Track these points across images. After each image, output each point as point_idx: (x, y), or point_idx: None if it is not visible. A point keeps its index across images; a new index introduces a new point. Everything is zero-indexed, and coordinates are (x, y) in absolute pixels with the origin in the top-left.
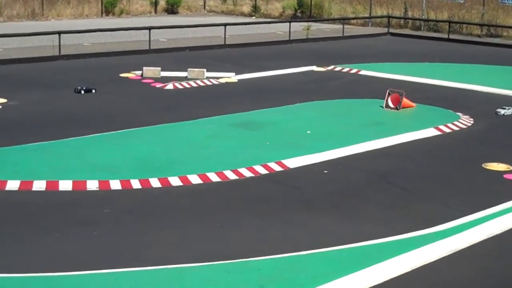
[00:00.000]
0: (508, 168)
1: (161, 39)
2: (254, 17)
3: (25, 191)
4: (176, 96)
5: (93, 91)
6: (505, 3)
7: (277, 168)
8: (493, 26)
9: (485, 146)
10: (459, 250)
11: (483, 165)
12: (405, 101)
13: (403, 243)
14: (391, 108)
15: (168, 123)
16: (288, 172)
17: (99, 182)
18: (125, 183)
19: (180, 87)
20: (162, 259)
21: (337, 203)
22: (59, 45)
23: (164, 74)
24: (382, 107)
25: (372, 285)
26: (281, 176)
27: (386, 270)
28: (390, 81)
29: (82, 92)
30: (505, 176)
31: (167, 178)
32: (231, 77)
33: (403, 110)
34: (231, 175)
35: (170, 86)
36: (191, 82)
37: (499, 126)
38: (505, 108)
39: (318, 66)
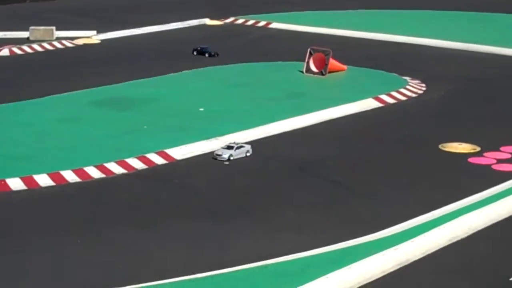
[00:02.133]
0: (474, 149)
1: None
2: None
3: None
4: (14, 65)
5: (206, 54)
6: None
7: (159, 160)
8: None
9: (441, 121)
10: (412, 262)
11: (440, 146)
12: (333, 62)
13: (337, 255)
14: (314, 73)
15: (2, 103)
16: (175, 166)
17: None
18: None
19: (19, 52)
20: None
21: (245, 206)
22: None
23: None
24: (302, 72)
25: None
26: (166, 172)
27: None
28: (312, 37)
29: (195, 53)
30: (470, 160)
31: (4, 180)
32: (92, 37)
33: (330, 76)
34: (95, 173)
35: (5, 52)
36: (35, 46)
37: (458, 93)
38: (231, 148)
39: (212, 18)
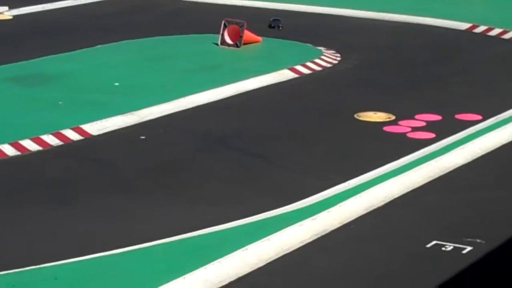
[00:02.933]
0: (389, 117)
1: None
2: None
3: None
4: None
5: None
6: None
7: (75, 136)
8: None
9: (356, 90)
10: (330, 231)
11: (355, 116)
12: (248, 34)
13: (255, 227)
14: (229, 45)
15: None
16: (92, 142)
17: None
18: None
19: None
20: None
21: (163, 180)
22: None
23: None
24: (217, 44)
25: None
26: (83, 148)
27: (232, 265)
28: (226, 9)
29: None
30: (385, 128)
31: None
32: (4, 13)
33: (245, 47)
34: (9, 150)
35: None
36: None
37: (373, 62)
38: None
39: None
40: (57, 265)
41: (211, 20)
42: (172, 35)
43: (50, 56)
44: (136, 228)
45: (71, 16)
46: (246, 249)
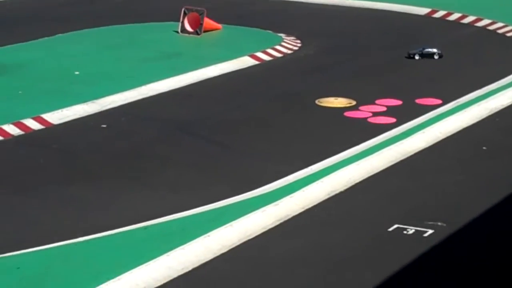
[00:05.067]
0: (349, 103)
1: None
2: None
3: None
4: None
5: (436, 55)
6: None
7: (36, 126)
8: None
9: (317, 76)
10: (292, 217)
11: (316, 102)
12: (208, 21)
13: (217, 214)
14: (190, 32)
15: None
16: (53, 131)
17: None
18: None
19: None
20: None
21: (124, 168)
22: None
23: None
24: (177, 32)
25: (176, 275)
26: (44, 137)
27: (195, 252)
28: None
29: (417, 57)
30: (346, 113)
31: None
32: None
33: (205, 35)
34: None
35: None
36: None
37: (333, 48)
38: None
39: None
40: (19, 254)
41: (170, 8)
42: (131, 23)
43: (9, 46)
44: (98, 216)
45: (29, 6)
46: (209, 235)
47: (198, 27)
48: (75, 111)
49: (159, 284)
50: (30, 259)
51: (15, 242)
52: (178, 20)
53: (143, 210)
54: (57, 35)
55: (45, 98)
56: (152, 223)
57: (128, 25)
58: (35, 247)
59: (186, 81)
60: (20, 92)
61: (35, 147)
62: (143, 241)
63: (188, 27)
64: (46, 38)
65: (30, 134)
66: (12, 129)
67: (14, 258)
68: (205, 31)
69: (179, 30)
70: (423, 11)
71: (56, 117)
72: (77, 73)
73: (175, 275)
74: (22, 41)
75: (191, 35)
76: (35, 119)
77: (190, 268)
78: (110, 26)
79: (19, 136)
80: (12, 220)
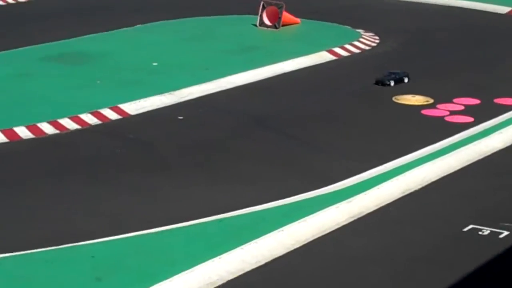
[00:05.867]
0: (427, 101)
1: None
2: None
3: None
4: None
5: (405, 79)
6: None
7: (113, 116)
8: None
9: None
10: (366, 214)
11: (394, 99)
12: (286, 15)
13: (291, 208)
14: (268, 26)
15: None
16: (130, 121)
17: None
18: None
19: None
20: None
21: (200, 160)
22: None
23: None
24: (256, 25)
25: (249, 269)
26: (120, 127)
27: (268, 246)
28: None
29: (391, 83)
30: (424, 111)
31: None
32: None
33: (283, 29)
34: (48, 129)
35: None
36: None
37: (411, 45)
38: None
39: None
40: (94, 243)
41: (249, 1)
42: (210, 15)
43: (90, 35)
44: (172, 207)
45: None
46: (282, 230)
47: (276, 21)
48: (152, 102)
49: (232, 277)
50: (104, 248)
51: (91, 230)
52: (257, 14)
53: (217, 203)
54: (136, 26)
55: (123, 88)
56: (226, 216)
57: (207, 17)
58: (109, 236)
59: (262, 75)
60: (98, 81)
61: (112, 137)
62: (217, 233)
63: (266, 21)
64: (125, 28)
65: (107, 124)
66: (90, 119)
67: (88, 247)
68: (283, 25)
69: (257, 24)
70: (503, 9)
71: (133, 107)
72: (155, 64)
73: (248, 268)
74: (103, 31)
75: (269, 28)
76: (112, 109)
77: (263, 262)
78: (188, 18)
79: (96, 126)
80: (88, 209)
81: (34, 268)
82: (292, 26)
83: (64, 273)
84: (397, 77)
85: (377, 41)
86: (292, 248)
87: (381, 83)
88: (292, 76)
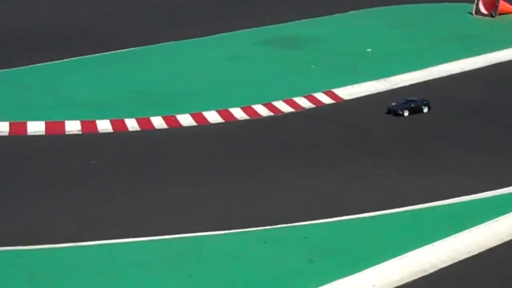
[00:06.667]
0: None
1: None
2: None
3: None
4: (182, 3)
5: (425, 108)
6: None
7: (326, 100)
8: None
9: None
10: None
11: None
12: (504, 4)
13: (506, 199)
14: (484, 15)
15: (171, 41)
16: (343, 106)
17: (82, 122)
18: (118, 123)
19: None
20: (173, 229)
21: (414, 148)
22: None
23: None
24: (471, 13)
25: (461, 258)
26: (333, 112)
27: (482, 236)
28: None
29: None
30: None
31: (174, 116)
32: None
33: (500, 18)
34: (263, 111)
35: None
36: None
37: None
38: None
39: None
40: (307, 225)
41: None
42: (425, 2)
43: (302, 20)
44: (382, 193)
45: None
46: (497, 220)
47: (493, 10)
48: (366, 87)
49: (444, 265)
50: (317, 230)
51: (303, 213)
52: (473, 2)
53: (430, 191)
54: (350, 12)
55: (336, 73)
56: (439, 203)
57: (420, 4)
58: (322, 219)
59: (477, 64)
60: (312, 66)
61: (326, 121)
62: (430, 221)
63: (482, 9)
64: (338, 14)
65: (320, 108)
66: (304, 102)
67: (302, 228)
68: (500, 14)
69: (473, 12)
70: None
71: (347, 92)
72: (369, 50)
73: (460, 257)
74: (316, 16)
75: (485, 17)
76: (326, 93)
77: (476, 252)
78: (401, 5)
79: (310, 109)
80: (299, 191)
81: (249, 246)
82: (509, 15)
83: (277, 252)
84: (412, 105)
85: None
86: (507, 239)
87: (393, 112)
88: (509, 65)
